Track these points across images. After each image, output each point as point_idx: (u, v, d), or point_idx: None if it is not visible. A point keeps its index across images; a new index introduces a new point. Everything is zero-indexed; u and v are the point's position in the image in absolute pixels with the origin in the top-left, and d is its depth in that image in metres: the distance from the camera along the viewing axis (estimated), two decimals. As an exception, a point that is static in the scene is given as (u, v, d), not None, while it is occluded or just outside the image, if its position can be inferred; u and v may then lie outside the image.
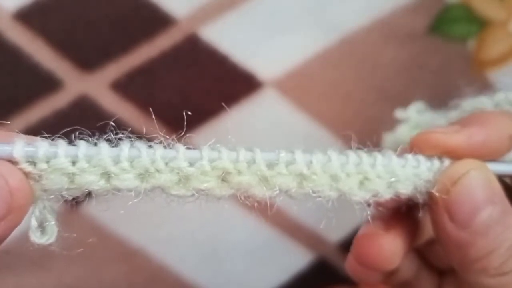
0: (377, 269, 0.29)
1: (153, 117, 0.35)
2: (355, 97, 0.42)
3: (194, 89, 0.40)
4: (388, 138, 0.38)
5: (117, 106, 0.39)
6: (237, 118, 0.40)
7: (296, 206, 0.41)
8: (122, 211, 0.39)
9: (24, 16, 0.37)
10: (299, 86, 0.41)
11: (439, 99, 0.43)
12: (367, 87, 0.42)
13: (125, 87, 0.39)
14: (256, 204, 0.24)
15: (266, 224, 0.42)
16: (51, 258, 0.39)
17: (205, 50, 0.40)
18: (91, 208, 0.39)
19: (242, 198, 0.24)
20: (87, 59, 0.38)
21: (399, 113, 0.37)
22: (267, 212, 0.40)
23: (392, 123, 0.37)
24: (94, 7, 0.38)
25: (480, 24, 0.43)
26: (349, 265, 0.30)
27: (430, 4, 0.42)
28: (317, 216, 0.42)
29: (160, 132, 0.23)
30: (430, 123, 0.36)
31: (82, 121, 0.23)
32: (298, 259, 0.43)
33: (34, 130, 0.22)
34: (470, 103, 0.32)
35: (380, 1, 0.42)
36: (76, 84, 0.38)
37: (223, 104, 0.40)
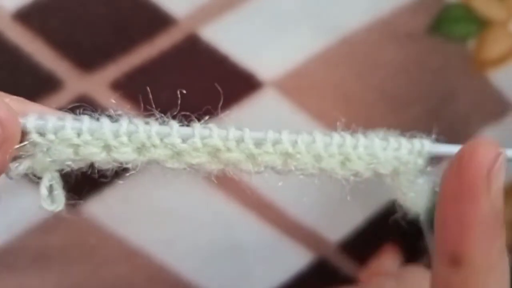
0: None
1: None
2: (355, 97, 0.42)
3: (194, 89, 0.40)
4: None
5: (117, 106, 0.39)
6: (237, 118, 0.40)
7: (295, 206, 0.41)
8: (122, 211, 0.39)
9: (24, 16, 0.37)
10: (299, 86, 0.41)
11: (439, 99, 0.43)
12: (367, 87, 0.42)
13: (125, 87, 0.39)
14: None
15: (266, 224, 0.42)
16: (51, 258, 0.39)
17: (205, 50, 0.40)
18: (91, 208, 0.39)
19: (231, 172, 0.25)
20: (87, 59, 0.38)
21: None
22: (267, 210, 0.40)
23: (392, 123, 0.36)
24: (94, 7, 0.38)
25: (480, 24, 0.43)
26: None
27: (430, 4, 0.42)
28: (317, 215, 0.42)
29: (156, 110, 0.25)
30: None
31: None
32: (298, 259, 0.43)
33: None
34: None
35: (380, 1, 0.42)
36: (76, 84, 0.38)
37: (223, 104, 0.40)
